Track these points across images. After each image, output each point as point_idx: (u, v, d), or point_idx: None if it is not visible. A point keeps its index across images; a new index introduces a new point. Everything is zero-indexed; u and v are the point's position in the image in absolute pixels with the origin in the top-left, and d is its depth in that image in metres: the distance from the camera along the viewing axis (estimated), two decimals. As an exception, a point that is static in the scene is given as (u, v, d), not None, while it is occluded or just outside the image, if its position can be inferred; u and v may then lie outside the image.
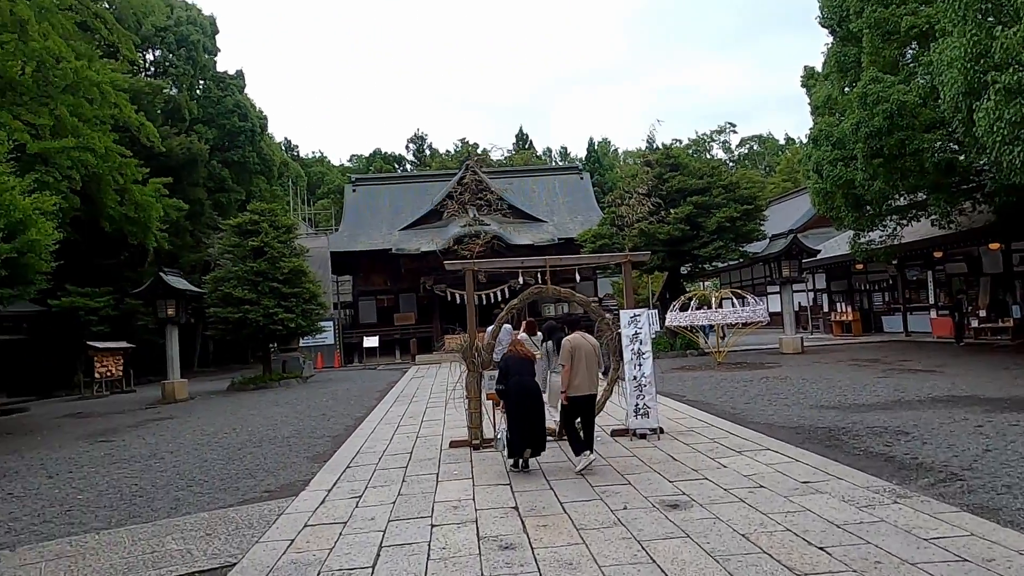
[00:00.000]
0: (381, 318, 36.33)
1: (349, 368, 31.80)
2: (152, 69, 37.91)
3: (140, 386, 28.15)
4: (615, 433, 10.05)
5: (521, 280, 10.32)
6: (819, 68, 22.67)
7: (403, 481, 8.08)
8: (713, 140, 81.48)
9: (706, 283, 38.70)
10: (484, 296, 29.53)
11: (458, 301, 30.91)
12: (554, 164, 69.17)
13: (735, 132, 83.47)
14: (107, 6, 30.26)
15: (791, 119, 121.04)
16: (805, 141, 20.77)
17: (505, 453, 8.09)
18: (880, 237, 20.64)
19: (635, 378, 9.80)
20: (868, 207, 18.52)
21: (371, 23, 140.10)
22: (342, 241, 35.64)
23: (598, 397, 9.90)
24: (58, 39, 16.58)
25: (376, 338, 33.31)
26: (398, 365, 30.67)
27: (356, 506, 7.15)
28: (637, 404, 9.74)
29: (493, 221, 31.53)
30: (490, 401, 9.74)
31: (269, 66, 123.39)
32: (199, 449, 11.47)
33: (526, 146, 79.93)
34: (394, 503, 7.13)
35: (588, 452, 7.96)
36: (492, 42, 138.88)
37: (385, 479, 8.25)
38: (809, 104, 22.05)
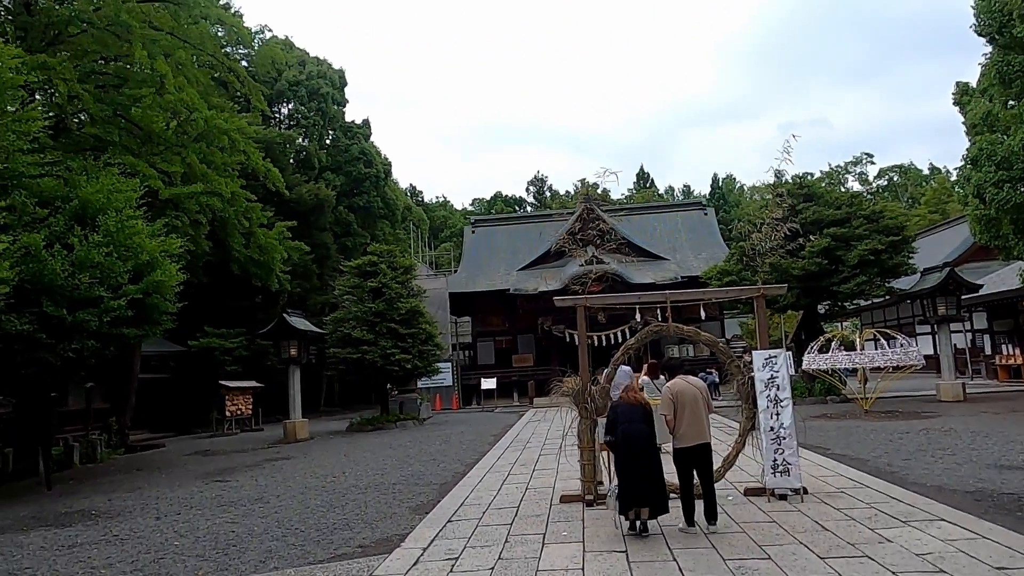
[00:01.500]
0: (499, 359, 35.94)
1: (467, 410, 31.46)
2: (286, 122, 40.07)
3: (268, 424, 28.91)
4: (749, 492, 8.78)
5: (638, 318, 9.31)
6: (973, 83, 20.51)
7: (506, 542, 7.23)
8: (848, 172, 76.83)
9: (844, 323, 35.79)
10: (604, 337, 28.45)
11: (576, 342, 30.00)
12: (676, 200, 67.28)
13: (872, 163, 78.41)
14: (245, 64, 32.28)
15: (932, 149, 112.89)
16: (960, 165, 18.58)
17: (617, 511, 7.09)
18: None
19: (772, 429, 8.54)
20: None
21: (494, 69, 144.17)
22: (460, 282, 35.72)
23: (731, 451, 8.75)
24: (192, 91, 17.43)
25: (494, 380, 32.87)
26: (515, 408, 30.01)
27: (451, 570, 6.37)
28: (775, 460, 8.46)
29: (612, 259, 30.51)
30: (604, 452, 8.78)
31: (394, 114, 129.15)
32: (305, 494, 11.13)
33: (647, 184, 78.63)
34: (492, 569, 6.29)
35: (712, 524, 6.90)
36: (612, 83, 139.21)
37: (487, 538, 7.44)
38: (964, 123, 19.87)
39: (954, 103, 20.36)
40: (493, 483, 10.92)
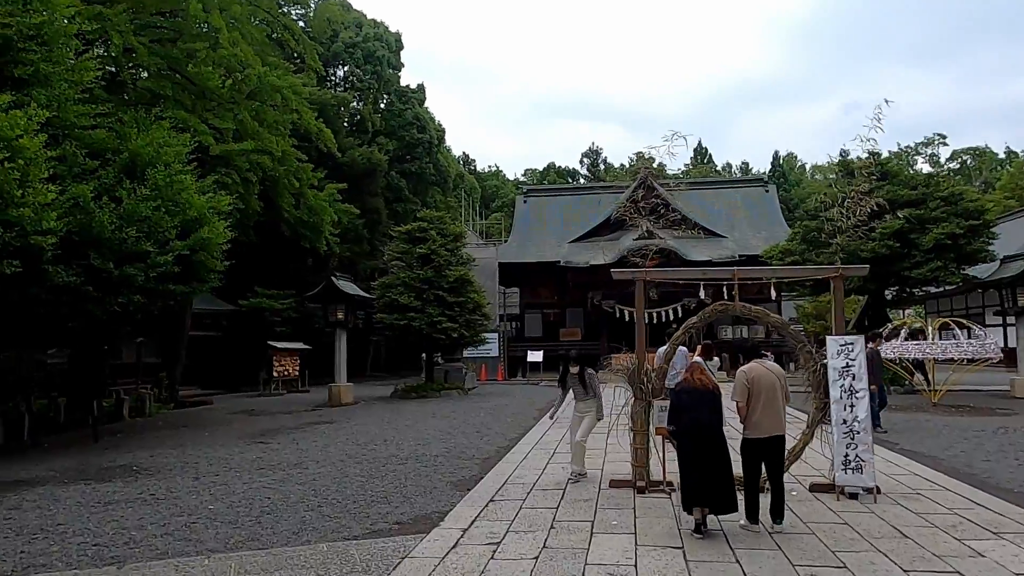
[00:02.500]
0: (546, 332, 35.46)
1: (512, 382, 31.11)
2: (341, 84, 39.82)
3: (314, 386, 29.08)
4: (815, 488, 8.11)
5: (702, 295, 8.64)
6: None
7: (551, 528, 6.75)
8: (918, 153, 73.38)
9: (907, 311, 34.21)
10: (654, 315, 27.67)
11: (627, 319, 29.25)
12: (735, 177, 65.29)
13: (944, 144, 74.67)
14: (301, 24, 31.99)
15: (1006, 133, 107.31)
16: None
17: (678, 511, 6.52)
18: None
19: (845, 422, 7.84)
20: None
21: (550, 41, 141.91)
22: (510, 252, 35.22)
23: (796, 443, 8.08)
24: (246, 47, 17.13)
25: (540, 353, 32.41)
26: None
27: (492, 557, 5.91)
28: (847, 455, 7.77)
29: (667, 235, 29.58)
30: (659, 436, 8.21)
31: (449, 82, 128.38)
32: (344, 461, 10.85)
33: (705, 160, 76.63)
34: (536, 559, 5.82)
35: (778, 522, 6.29)
36: (669, 60, 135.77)
37: (531, 522, 6.98)
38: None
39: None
40: (538, 461, 10.47)
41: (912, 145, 74.20)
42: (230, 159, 16.15)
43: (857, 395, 7.87)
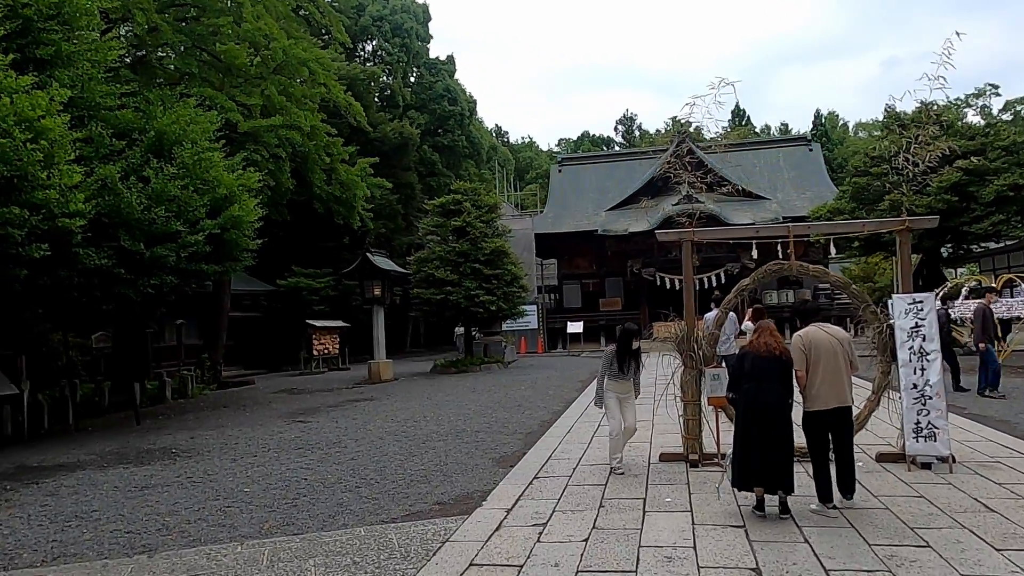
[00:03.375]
0: (586, 303, 34.94)
1: (552, 354, 30.77)
2: (371, 60, 39.37)
3: (355, 364, 29.12)
4: (883, 458, 7.56)
5: (755, 254, 8.07)
6: None
7: (600, 507, 6.34)
8: (968, 105, 70.26)
9: (960, 270, 32.83)
10: (697, 281, 26.99)
11: (667, 286, 28.66)
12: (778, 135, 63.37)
13: (997, 95, 71.39)
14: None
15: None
16: None
17: (731, 482, 6.03)
18: None
19: (916, 386, 7.25)
20: None
21: (580, 8, 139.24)
22: (547, 223, 34.66)
23: (861, 411, 7.49)
24: (271, 20, 16.77)
25: (580, 324, 31.95)
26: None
27: (538, 539, 5.52)
28: (919, 422, 7.19)
29: (708, 199, 28.72)
30: (711, 406, 7.73)
31: (480, 54, 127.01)
32: (383, 440, 10.58)
33: (743, 122, 74.54)
34: (586, 541, 5.41)
35: (848, 497, 5.77)
36: (701, 21, 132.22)
37: (578, 500, 6.58)
38: None
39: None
40: (583, 435, 10.07)
41: (962, 97, 71.17)
42: (258, 135, 15.87)
43: (928, 357, 7.26)
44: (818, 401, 5.75)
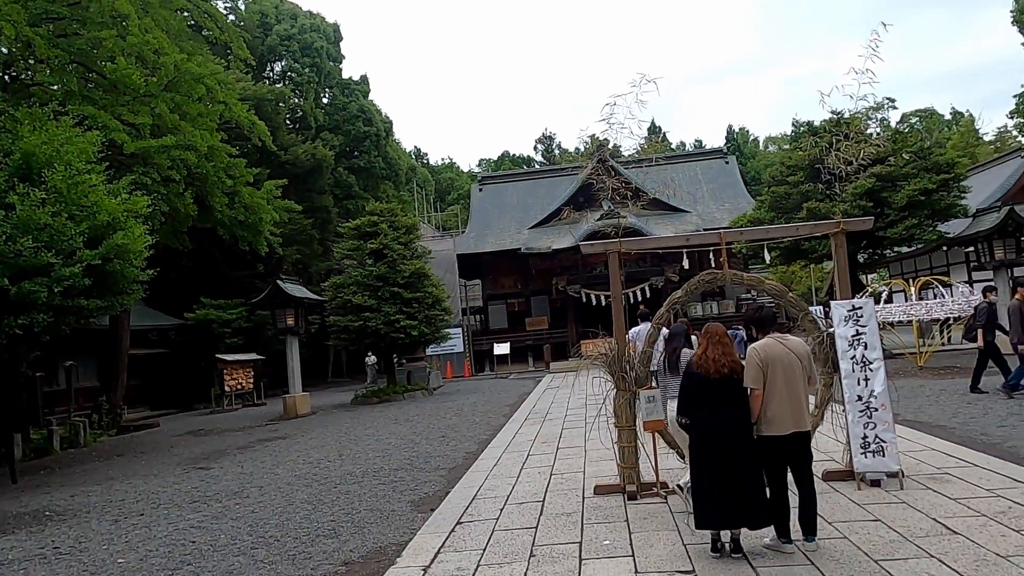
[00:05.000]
0: (512, 323, 34.27)
1: (480, 377, 29.93)
2: (280, 81, 38.01)
3: (272, 398, 27.50)
4: (830, 476, 7.05)
5: (686, 264, 7.51)
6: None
7: (531, 556, 5.55)
8: (869, 118, 73.64)
9: (870, 276, 33.73)
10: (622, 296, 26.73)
11: (594, 302, 28.29)
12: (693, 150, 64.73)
13: (894, 108, 75.05)
14: (232, 19, 30.22)
15: (944, 97, 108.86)
16: (1019, 93, 16.52)
17: (691, 521, 5.31)
18: None
19: (860, 398, 6.80)
20: None
21: (498, 27, 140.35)
22: (469, 243, 33.93)
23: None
24: (160, 34, 15.55)
25: (507, 344, 31.31)
26: (531, 373, 28.44)
27: (459, 606, 4.70)
28: (865, 436, 6.72)
29: (630, 213, 28.58)
30: (648, 432, 7.07)
31: (396, 76, 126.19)
32: (292, 485, 9.53)
33: (660, 139, 75.98)
34: (515, 605, 4.63)
35: (810, 539, 5.11)
36: (617, 40, 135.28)
37: (506, 550, 5.77)
38: (1025, 44, 17.71)
39: (1013, 22, 18.18)
40: (511, 467, 9.27)
41: (863, 111, 74.42)
42: (148, 157, 14.54)
43: (871, 366, 6.83)
44: (773, 425, 5.05)
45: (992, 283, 14.04)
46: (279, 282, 20.13)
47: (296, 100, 36.04)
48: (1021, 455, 7.53)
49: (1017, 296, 11.47)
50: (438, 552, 5.90)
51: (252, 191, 18.41)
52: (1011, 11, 18.87)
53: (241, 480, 10.34)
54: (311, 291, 23.96)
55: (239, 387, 26.06)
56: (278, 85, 36.20)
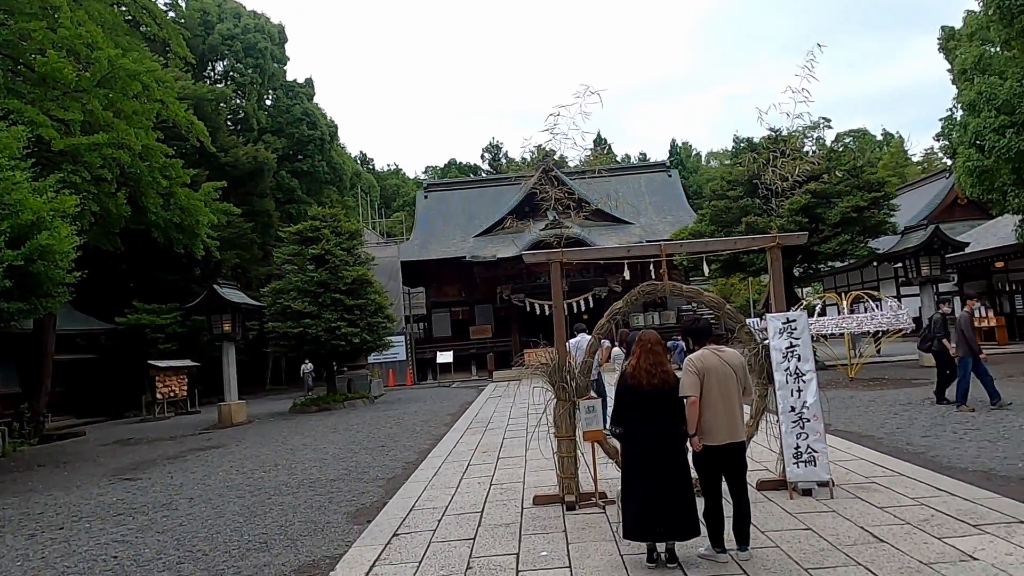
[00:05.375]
0: (456, 331, 34.13)
1: (422, 385, 29.68)
2: (222, 81, 37.14)
3: (207, 406, 26.68)
4: (764, 486, 7.19)
5: (627, 275, 7.60)
6: (958, 26, 19.21)
7: (468, 568, 5.48)
8: (806, 136, 76.08)
9: (805, 289, 34.77)
10: (566, 306, 26.91)
11: (538, 312, 28.40)
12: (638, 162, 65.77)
13: (829, 127, 77.84)
14: (171, 15, 29.37)
15: (879, 118, 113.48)
16: (945, 116, 17.31)
17: (617, 529, 5.33)
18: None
19: (793, 409, 6.95)
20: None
21: (449, 37, 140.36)
22: (413, 250, 33.69)
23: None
24: (93, 27, 14.99)
25: (451, 353, 31.14)
26: (474, 382, 28.34)
27: (392, 620, 4.60)
28: (798, 447, 6.87)
29: (574, 224, 28.82)
30: (588, 441, 7.09)
31: (344, 82, 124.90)
32: (223, 496, 9.23)
33: (605, 151, 76.98)
34: (450, 619, 4.55)
35: (743, 548, 5.16)
36: (566, 53, 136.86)
37: (442, 563, 5.68)
38: (950, 70, 18.60)
39: (939, 49, 19.03)
40: (450, 477, 9.18)
41: (800, 130, 76.84)
42: (78, 154, 13.96)
43: (804, 378, 7.00)
44: (709, 435, 5.11)
45: (947, 296, 14.31)
46: (216, 286, 19.60)
47: (238, 101, 35.26)
48: (943, 464, 7.81)
49: (966, 308, 11.72)
50: (373, 565, 5.78)
51: (189, 193, 17.87)
52: (938, 39, 19.76)
53: (170, 491, 9.97)
54: (250, 296, 23.41)
55: (172, 395, 25.24)
56: (219, 85, 35.34)
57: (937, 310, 12.54)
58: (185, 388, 25.92)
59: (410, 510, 7.54)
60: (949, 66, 18.69)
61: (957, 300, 23.20)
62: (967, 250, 21.58)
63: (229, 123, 34.58)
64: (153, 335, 27.60)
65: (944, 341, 12.11)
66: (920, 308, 19.92)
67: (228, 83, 36.23)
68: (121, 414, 27.12)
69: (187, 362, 26.31)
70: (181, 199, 17.30)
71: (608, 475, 7.47)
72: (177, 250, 19.48)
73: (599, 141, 77.65)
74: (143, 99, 16.39)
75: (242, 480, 10.37)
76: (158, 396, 24.49)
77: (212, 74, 36.39)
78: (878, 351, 20.15)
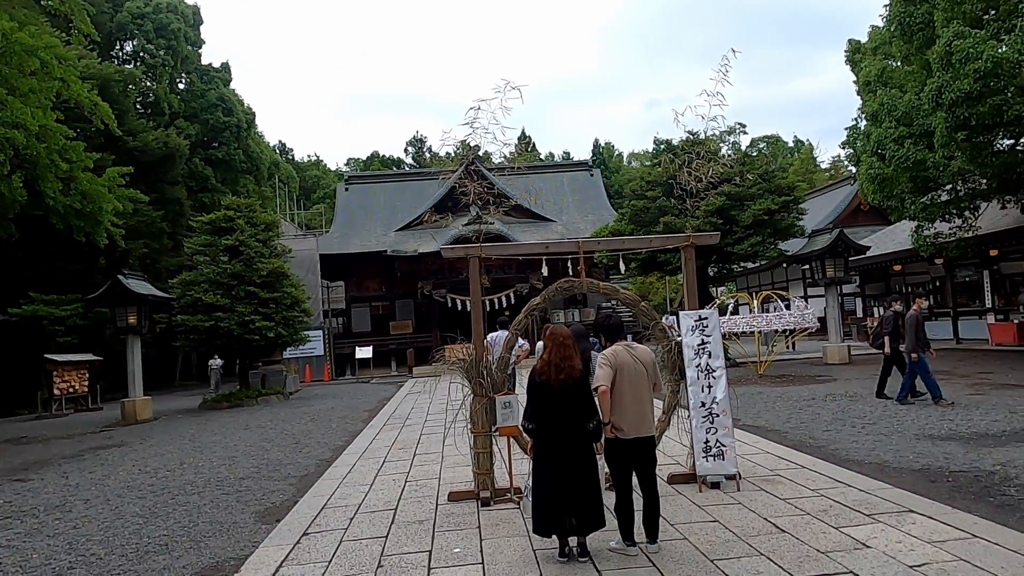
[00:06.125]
0: (376, 327, 33.64)
1: (340, 381, 29.12)
2: (131, 62, 35.39)
3: (110, 403, 25.38)
4: (674, 479, 7.36)
5: (545, 272, 7.64)
6: (864, 40, 20.18)
7: (379, 566, 5.38)
8: (723, 141, 78.68)
9: (719, 288, 35.95)
10: (486, 302, 26.87)
11: (459, 308, 28.30)
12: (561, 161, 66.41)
13: (745, 133, 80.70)
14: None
15: (791, 126, 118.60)
16: (850, 126, 18.22)
17: (531, 528, 5.35)
18: (950, 228, 17.85)
19: (704, 404, 7.13)
20: (942, 192, 15.85)
21: (373, 27, 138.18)
22: (333, 243, 33.00)
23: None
24: (-17, -3, 14.01)
25: (370, 348, 30.68)
26: (394, 378, 28.00)
27: (298, 623, 4.46)
28: (707, 441, 7.06)
29: (496, 220, 28.87)
30: (504, 437, 7.09)
31: (264, 69, 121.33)
32: (123, 497, 8.79)
33: (529, 149, 77.45)
34: (358, 619, 4.45)
35: (653, 542, 5.27)
36: (491, 53, 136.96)
37: (352, 562, 5.56)
38: (856, 82, 19.56)
39: (846, 61, 19.98)
40: (365, 474, 9.01)
41: (717, 134, 79.37)
42: (-34, 134, 13.05)
43: (714, 374, 7.18)
44: (620, 430, 5.19)
45: (896, 295, 14.56)
46: (120, 277, 18.66)
47: (148, 83, 33.69)
48: (842, 457, 8.18)
49: (915, 306, 11.89)
50: (280, 565, 5.60)
51: (92, 178, 16.92)
52: (845, 51, 20.73)
53: (64, 493, 9.42)
54: (159, 288, 22.39)
55: (71, 390, 23.92)
56: (128, 66, 33.63)
57: (889, 308, 12.79)
58: (86, 384, 24.60)
59: (322, 508, 7.36)
60: (855, 78, 19.58)
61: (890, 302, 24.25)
62: (868, 253, 22.70)
63: (138, 106, 33.03)
64: (51, 327, 26.07)
65: (886, 338, 12.35)
66: (825, 308, 20.87)
67: (138, 64, 34.55)
68: (13, 411, 25.50)
69: (88, 356, 24.97)
70: (83, 184, 16.36)
71: (523, 470, 7.47)
72: (78, 238, 18.39)
73: (523, 138, 78.19)
74: (41, 77, 15.41)
75: (144, 480, 9.90)
76: (55, 392, 23.19)
77: (120, 54, 34.64)
78: (792, 347, 21.02)
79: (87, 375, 24.80)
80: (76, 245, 25.21)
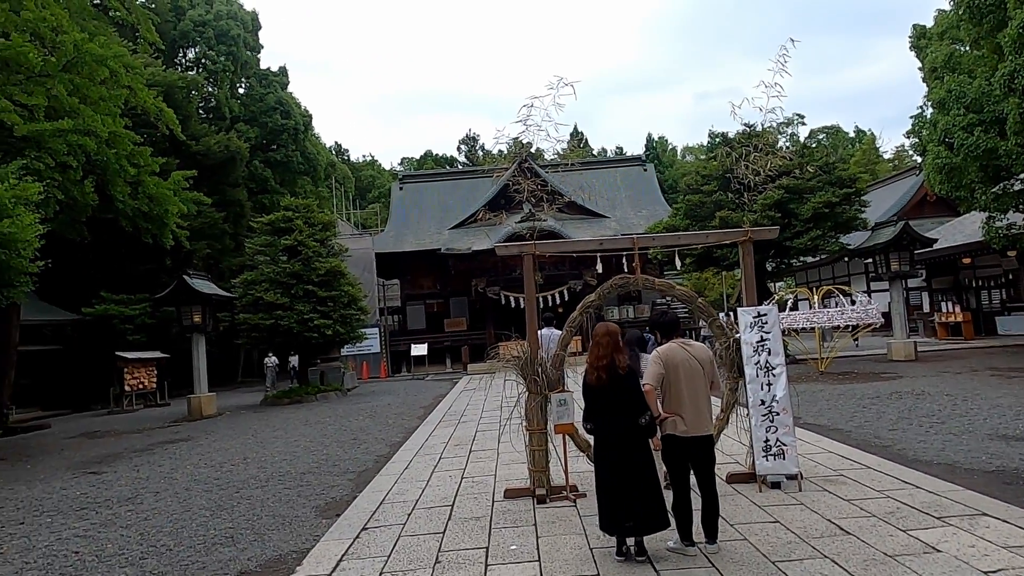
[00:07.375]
0: (430, 324, 34.00)
1: (396, 378, 29.52)
2: (193, 69, 36.50)
3: (177, 399, 26.28)
4: (733, 479, 7.24)
5: (599, 269, 7.59)
6: (929, 25, 19.43)
7: (436, 562, 5.44)
8: (780, 132, 76.90)
9: (778, 284, 35.14)
10: (541, 299, 26.86)
11: (513, 305, 28.35)
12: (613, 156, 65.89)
13: (803, 124, 78.66)
14: (142, 1, 28.76)
15: (852, 116, 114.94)
16: (916, 113, 17.55)
17: (585, 523, 5.33)
18: (1024, 219, 17.09)
19: (763, 403, 6.99)
20: (1015, 181, 15.18)
21: (422, 27, 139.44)
22: (388, 242, 33.45)
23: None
24: (59, 10, 14.62)
25: (425, 345, 31.02)
26: (448, 375, 28.25)
27: (359, 616, 4.54)
28: (767, 440, 6.91)
29: (549, 217, 28.79)
30: (560, 434, 7.07)
31: (319, 71, 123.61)
32: (190, 490, 9.09)
33: (581, 144, 77.07)
34: (417, 614, 4.50)
35: (712, 542, 5.18)
36: (542, 49, 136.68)
37: (411, 557, 5.64)
38: (921, 69, 18.83)
39: (910, 47, 19.22)
40: (422, 470, 9.12)
41: (774, 125, 77.60)
42: (42, 141, 13.61)
43: (774, 372, 7.03)
44: (677, 428, 5.12)
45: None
46: (185, 277, 19.29)
47: (210, 89, 34.68)
48: (909, 457, 7.92)
49: None
50: (341, 559, 5.71)
51: (158, 181, 17.54)
52: (909, 37, 20.01)
53: (136, 485, 9.80)
54: (221, 287, 23.08)
55: (141, 387, 24.83)
56: (191, 72, 34.70)
57: None
58: (154, 380, 25.52)
59: (380, 504, 7.48)
60: (920, 64, 18.89)
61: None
62: (935, 246, 21.88)
63: (201, 111, 34.03)
64: (121, 326, 27.11)
65: None
66: (889, 303, 20.21)
67: (200, 70, 35.60)
68: (88, 406, 26.63)
69: (156, 354, 25.89)
70: (149, 188, 16.97)
71: (579, 468, 7.46)
72: (145, 240, 19.09)
73: (575, 134, 77.84)
74: (110, 85, 16.03)
75: (209, 473, 10.22)
76: (126, 388, 24.09)
77: (183, 61, 35.78)
78: (856, 343, 20.40)
79: (155, 372, 25.71)
80: (144, 246, 26.13)
